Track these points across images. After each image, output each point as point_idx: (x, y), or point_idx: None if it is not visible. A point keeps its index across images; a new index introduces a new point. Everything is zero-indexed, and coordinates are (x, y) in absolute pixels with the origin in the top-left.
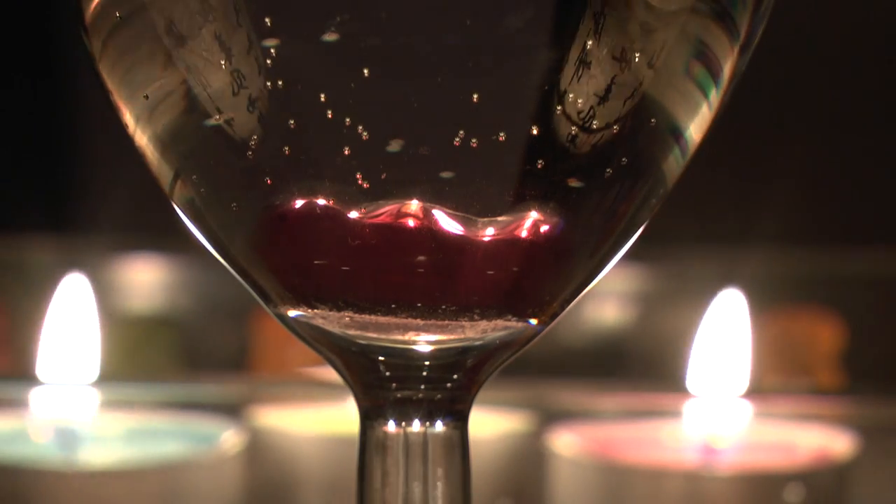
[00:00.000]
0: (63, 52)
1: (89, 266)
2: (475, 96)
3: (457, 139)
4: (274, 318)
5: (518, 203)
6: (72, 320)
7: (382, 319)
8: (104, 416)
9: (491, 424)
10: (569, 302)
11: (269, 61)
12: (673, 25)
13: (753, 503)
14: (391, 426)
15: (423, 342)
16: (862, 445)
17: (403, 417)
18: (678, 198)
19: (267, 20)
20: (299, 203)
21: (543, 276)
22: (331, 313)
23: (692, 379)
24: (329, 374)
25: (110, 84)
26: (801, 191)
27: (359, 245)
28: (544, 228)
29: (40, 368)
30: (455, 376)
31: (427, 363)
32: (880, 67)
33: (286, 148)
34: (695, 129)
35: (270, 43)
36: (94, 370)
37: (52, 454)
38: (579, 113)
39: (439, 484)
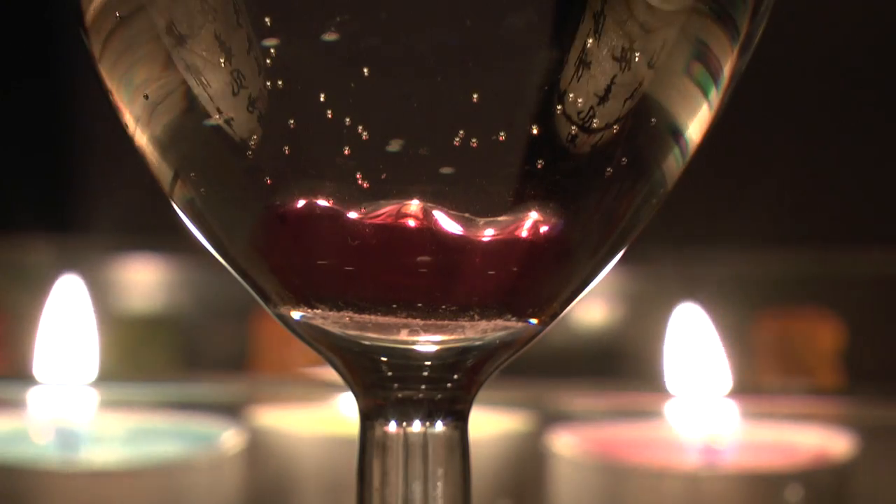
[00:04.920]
0: (61, 50)
1: (89, 266)
2: (475, 96)
3: (457, 139)
4: (274, 318)
5: (518, 203)
6: (72, 320)
7: (383, 319)
8: (104, 416)
9: (491, 424)
10: (569, 302)
11: (269, 61)
12: (673, 25)
13: (753, 503)
14: (391, 426)
15: (424, 342)
16: (862, 445)
17: (404, 417)
18: (679, 197)
19: (267, 20)
20: (299, 203)
21: (543, 276)
22: (331, 313)
23: (692, 380)
24: (329, 374)
25: (110, 84)
26: (800, 190)
27: (359, 245)
28: (544, 228)
29: (40, 369)
30: (455, 376)
31: (427, 363)
32: (875, 64)
33: (286, 148)
34: (695, 129)
35: (270, 43)
36: (94, 370)
37: (52, 454)
38: (579, 113)
39: (439, 484)
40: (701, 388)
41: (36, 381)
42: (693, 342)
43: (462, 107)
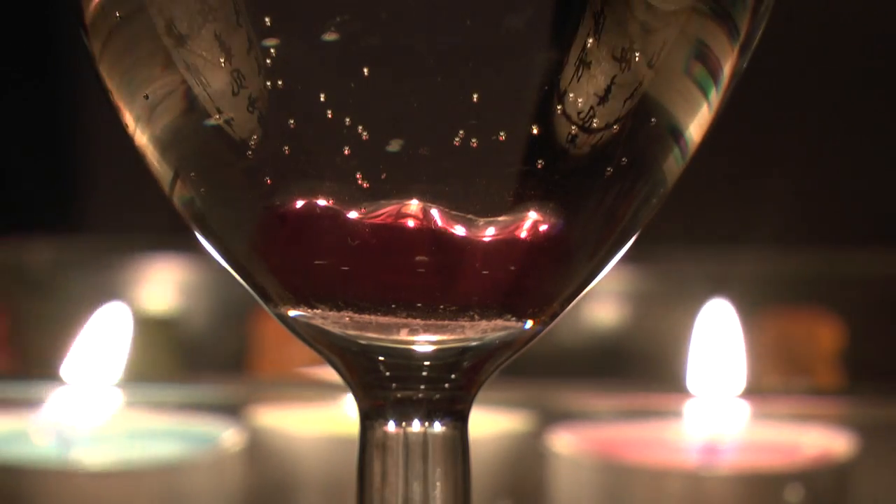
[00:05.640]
0: (62, 50)
1: (90, 265)
2: (475, 96)
3: (457, 139)
4: (274, 318)
5: (518, 203)
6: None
7: (382, 319)
8: (104, 416)
9: (491, 424)
10: (569, 302)
11: (269, 61)
12: (673, 25)
13: (753, 503)
14: (391, 426)
15: (423, 342)
16: (862, 445)
17: (403, 417)
18: (679, 197)
19: (267, 20)
20: (299, 203)
21: (543, 276)
22: (331, 313)
23: (692, 379)
24: (329, 374)
25: (110, 84)
26: (800, 190)
27: (359, 245)
28: (544, 228)
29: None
30: (455, 376)
31: (427, 363)
32: (881, 66)
33: (286, 148)
34: (695, 129)
35: (270, 43)
36: (94, 370)
37: (52, 454)
38: (579, 113)
39: (439, 484)
40: (702, 388)
41: (36, 380)
42: (694, 342)
43: (462, 107)
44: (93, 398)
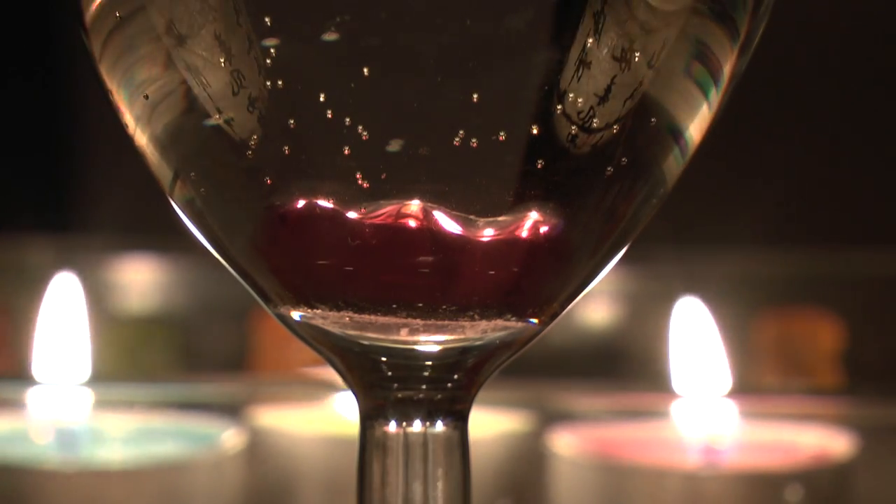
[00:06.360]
0: (60, 50)
1: (88, 265)
2: (475, 96)
3: (457, 139)
4: (274, 318)
5: (518, 203)
6: (71, 320)
7: (383, 319)
8: (104, 416)
9: (491, 424)
10: (569, 302)
11: (269, 61)
12: (673, 25)
13: (753, 503)
14: (391, 426)
15: (424, 342)
16: (862, 445)
17: (404, 417)
18: (680, 196)
19: (267, 20)
20: (299, 203)
21: (543, 276)
22: (331, 313)
23: (692, 379)
24: (329, 374)
25: (110, 84)
26: (800, 190)
27: (359, 245)
28: (544, 228)
29: (40, 369)
30: (455, 376)
31: (427, 363)
32: (877, 63)
33: (286, 148)
34: (694, 129)
35: (270, 43)
36: (94, 370)
37: (52, 454)
38: (579, 113)
39: (439, 484)
40: (701, 388)
41: (36, 381)
42: (693, 342)
43: (462, 107)
44: (92, 398)
